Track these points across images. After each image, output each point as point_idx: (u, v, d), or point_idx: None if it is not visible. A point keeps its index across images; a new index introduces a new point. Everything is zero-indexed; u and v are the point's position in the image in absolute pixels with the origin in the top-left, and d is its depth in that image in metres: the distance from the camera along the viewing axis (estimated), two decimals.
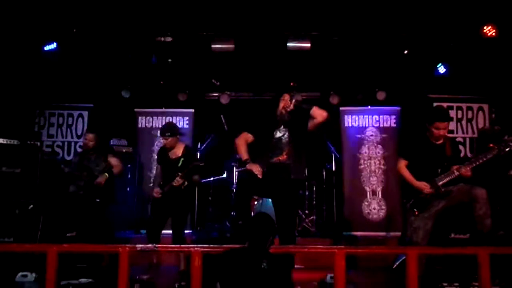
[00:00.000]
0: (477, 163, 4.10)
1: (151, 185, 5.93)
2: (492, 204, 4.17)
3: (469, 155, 6.89)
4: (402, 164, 4.31)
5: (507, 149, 4.15)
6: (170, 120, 7.64)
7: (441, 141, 4.28)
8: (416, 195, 4.18)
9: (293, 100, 4.18)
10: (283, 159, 4.19)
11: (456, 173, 4.09)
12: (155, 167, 6.28)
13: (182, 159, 5.03)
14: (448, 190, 4.11)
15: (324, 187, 7.45)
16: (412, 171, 4.24)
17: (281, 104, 4.24)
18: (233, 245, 3.29)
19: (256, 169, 4.07)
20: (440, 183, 4.12)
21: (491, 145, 4.28)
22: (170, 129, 5.11)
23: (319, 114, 4.15)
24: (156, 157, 5.79)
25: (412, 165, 4.27)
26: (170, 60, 7.30)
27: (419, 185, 4.15)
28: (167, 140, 5.03)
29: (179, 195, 4.99)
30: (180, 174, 4.93)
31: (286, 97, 4.23)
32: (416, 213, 4.17)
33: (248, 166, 4.15)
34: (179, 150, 5.10)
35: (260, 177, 4.06)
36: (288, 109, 4.18)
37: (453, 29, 6.58)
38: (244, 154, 4.25)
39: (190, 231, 7.22)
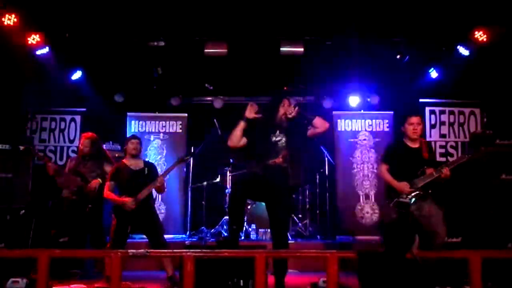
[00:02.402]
0: (455, 164, 4.21)
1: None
2: (485, 208, 4.21)
3: None
4: (383, 168, 4.46)
5: (480, 153, 4.24)
6: (164, 124, 7.65)
7: (417, 145, 4.40)
8: (397, 196, 4.24)
9: (296, 108, 4.18)
10: (278, 161, 4.19)
11: (436, 174, 4.18)
12: None
13: (146, 167, 4.98)
14: (426, 193, 4.18)
15: (317, 191, 7.46)
16: (393, 175, 4.36)
17: (282, 110, 4.24)
18: None
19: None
20: (420, 184, 4.21)
21: (482, 148, 4.34)
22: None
23: (321, 124, 4.19)
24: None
25: (392, 170, 4.39)
26: (159, 67, 7.29)
27: (399, 186, 4.26)
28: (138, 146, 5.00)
29: (148, 200, 4.95)
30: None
31: (286, 103, 4.25)
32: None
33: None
34: (139, 161, 5.04)
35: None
36: (290, 116, 4.19)
37: (445, 34, 6.63)
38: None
39: (183, 235, 7.20)
